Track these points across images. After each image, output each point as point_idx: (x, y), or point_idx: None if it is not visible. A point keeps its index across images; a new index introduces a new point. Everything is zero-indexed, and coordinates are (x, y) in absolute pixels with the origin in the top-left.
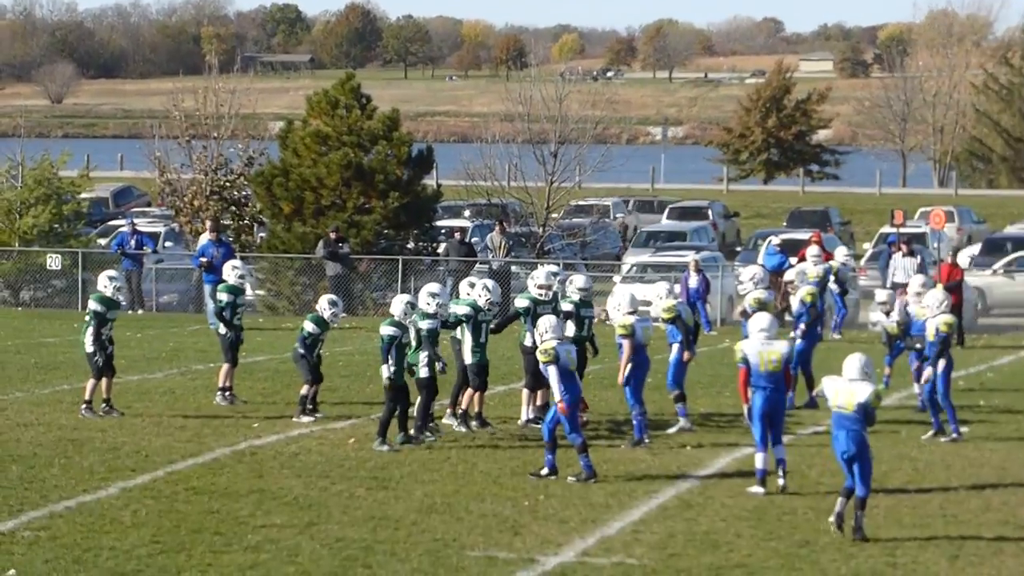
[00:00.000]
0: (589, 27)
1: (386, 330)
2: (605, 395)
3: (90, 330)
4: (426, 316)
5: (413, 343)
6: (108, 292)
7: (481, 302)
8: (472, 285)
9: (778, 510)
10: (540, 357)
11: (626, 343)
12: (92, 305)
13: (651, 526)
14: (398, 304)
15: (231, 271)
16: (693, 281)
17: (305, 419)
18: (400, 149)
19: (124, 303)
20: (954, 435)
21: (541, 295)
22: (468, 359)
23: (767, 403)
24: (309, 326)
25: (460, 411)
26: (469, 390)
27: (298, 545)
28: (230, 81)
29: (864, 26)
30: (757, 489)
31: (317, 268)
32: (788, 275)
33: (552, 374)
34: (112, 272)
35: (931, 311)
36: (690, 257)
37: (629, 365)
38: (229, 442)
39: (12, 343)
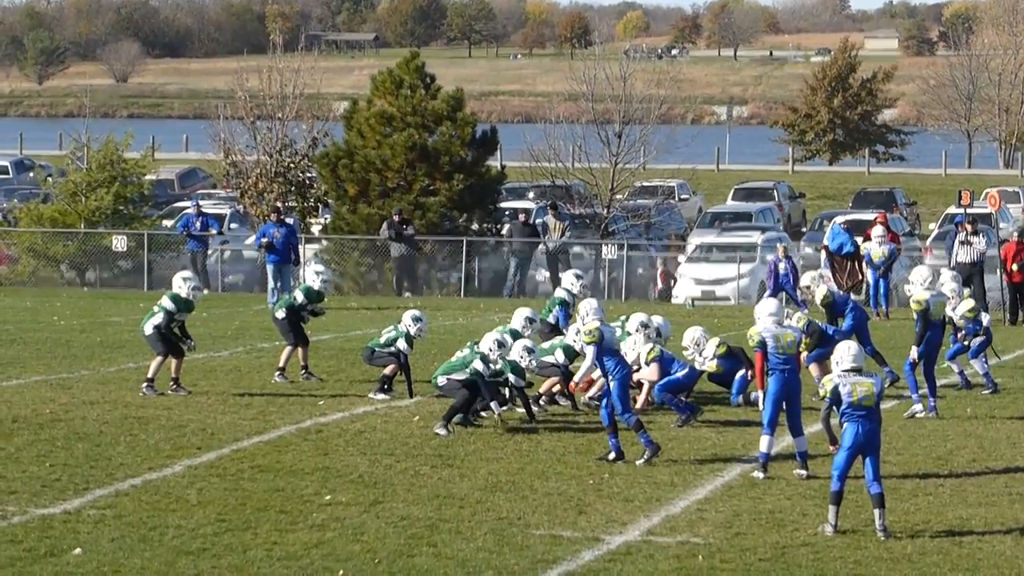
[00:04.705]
0: (654, 4)
1: (477, 365)
2: None
3: (152, 320)
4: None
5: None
6: (183, 292)
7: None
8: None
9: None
10: (584, 338)
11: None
12: (165, 302)
13: (716, 505)
14: (488, 339)
15: (315, 275)
16: (782, 267)
17: (380, 396)
18: (464, 130)
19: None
20: (929, 412)
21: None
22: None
23: (783, 385)
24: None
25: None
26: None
27: (363, 523)
28: (294, 60)
29: (929, 3)
30: (758, 474)
31: (382, 249)
32: (804, 280)
33: (590, 354)
34: (187, 272)
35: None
36: (779, 245)
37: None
38: (294, 420)
39: (78, 322)
